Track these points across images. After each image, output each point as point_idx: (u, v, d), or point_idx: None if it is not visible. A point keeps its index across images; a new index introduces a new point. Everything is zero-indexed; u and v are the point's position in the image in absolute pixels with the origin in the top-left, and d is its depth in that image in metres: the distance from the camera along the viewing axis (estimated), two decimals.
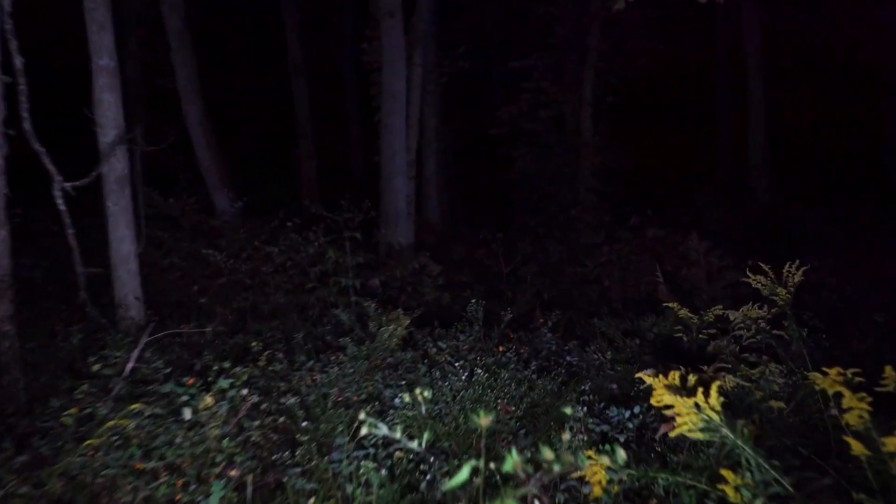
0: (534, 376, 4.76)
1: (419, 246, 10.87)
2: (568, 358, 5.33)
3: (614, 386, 4.94)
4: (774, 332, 4.21)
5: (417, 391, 2.22)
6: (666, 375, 3.25)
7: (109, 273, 6.47)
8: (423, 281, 7.50)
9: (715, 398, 2.63)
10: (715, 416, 2.59)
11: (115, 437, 3.60)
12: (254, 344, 5.71)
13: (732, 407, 3.49)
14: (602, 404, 4.67)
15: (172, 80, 12.02)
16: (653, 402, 3.02)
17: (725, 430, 2.57)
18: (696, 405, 2.67)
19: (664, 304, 6.08)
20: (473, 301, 5.27)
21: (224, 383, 3.69)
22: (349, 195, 7.97)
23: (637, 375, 3.18)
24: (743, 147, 17.60)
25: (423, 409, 2.20)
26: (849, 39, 16.42)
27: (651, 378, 3.00)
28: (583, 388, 4.64)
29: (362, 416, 2.09)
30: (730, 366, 3.59)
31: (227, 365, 3.96)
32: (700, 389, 2.97)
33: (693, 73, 18.57)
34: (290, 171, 17.56)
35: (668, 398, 2.92)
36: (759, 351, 4.26)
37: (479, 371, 3.98)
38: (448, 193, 15.13)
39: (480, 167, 16.81)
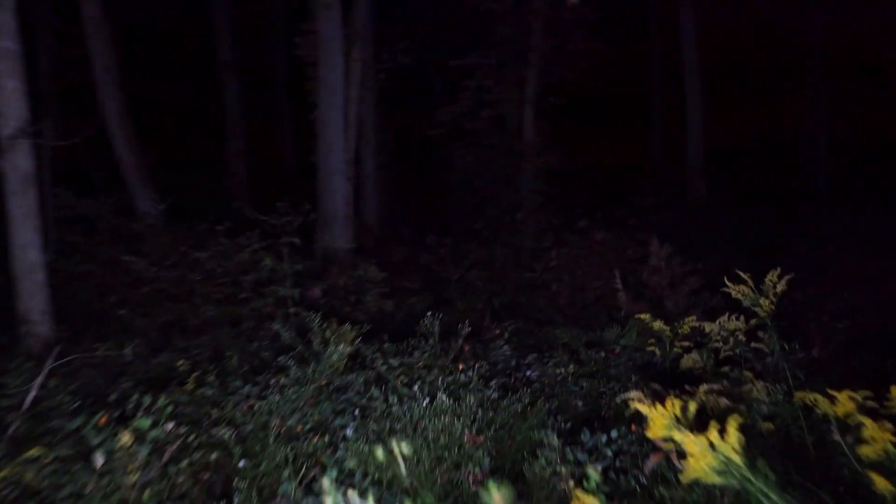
0: (495, 395, 4.36)
1: (358, 249, 10.35)
2: (528, 372, 4.95)
3: (580, 403, 4.59)
4: (753, 344, 3.94)
5: (394, 445, 1.77)
6: (653, 397, 2.89)
7: (12, 284, 5.71)
8: (366, 288, 7.00)
9: (734, 436, 2.27)
10: (735, 458, 2.23)
11: (9, 489, 2.99)
12: (180, 363, 5.11)
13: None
14: (569, 424, 4.30)
15: (90, 73, 11.11)
16: (650, 435, 2.65)
17: (747, 474, 2.21)
18: (710, 443, 2.30)
19: (627, 313, 5.79)
20: (429, 314, 4.83)
21: (145, 422, 3.12)
22: (286, 197, 7.41)
23: (630, 403, 2.80)
24: (678, 150, 17.82)
25: (403, 468, 1.76)
26: (780, 48, 16.82)
27: (644, 406, 2.62)
28: (549, 407, 4.25)
29: (326, 483, 1.62)
30: (720, 387, 3.28)
31: (147, 400, 3.38)
32: (713, 426, 2.61)
33: (632, 75, 18.67)
34: (219, 172, 16.69)
35: (676, 435, 2.53)
36: (736, 364, 3.98)
37: (443, 397, 3.54)
38: (387, 195, 14.64)
39: (420, 167, 16.37)
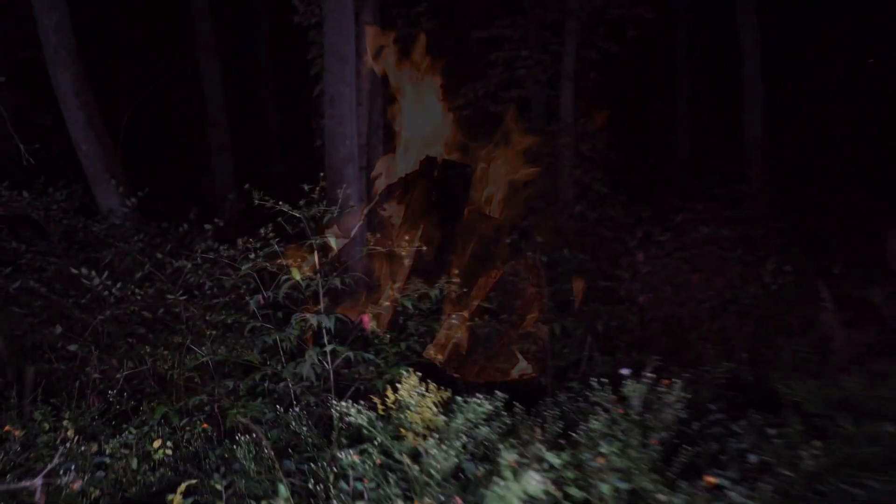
0: None
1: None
2: (751, 455, 2.97)
3: None
4: None
5: None
6: None
7: None
8: (429, 310, 4.90)
9: None
10: None
11: None
12: (157, 447, 3.07)
13: None
14: None
15: (37, 49, 8.87)
16: None
17: None
18: None
19: (844, 348, 3.86)
20: (626, 371, 2.81)
21: None
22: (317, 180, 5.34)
23: None
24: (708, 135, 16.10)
25: None
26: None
27: None
28: None
29: None
30: None
31: None
32: None
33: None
34: (198, 165, 14.53)
35: None
36: None
37: None
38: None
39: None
